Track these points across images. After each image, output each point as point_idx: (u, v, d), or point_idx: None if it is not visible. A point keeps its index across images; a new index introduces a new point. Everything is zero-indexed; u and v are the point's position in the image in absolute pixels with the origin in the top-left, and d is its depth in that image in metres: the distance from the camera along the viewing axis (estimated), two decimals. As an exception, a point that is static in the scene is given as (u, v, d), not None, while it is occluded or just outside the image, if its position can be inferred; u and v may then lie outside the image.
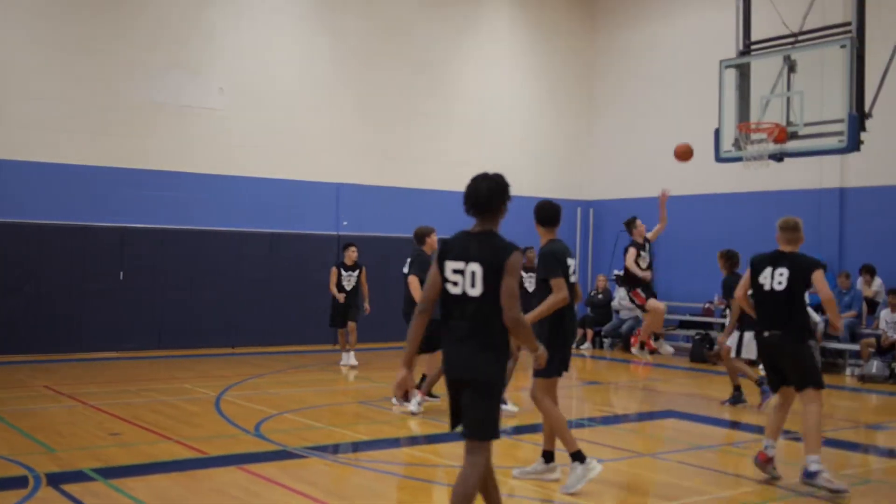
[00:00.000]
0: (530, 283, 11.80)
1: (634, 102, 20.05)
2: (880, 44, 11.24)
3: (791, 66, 11.77)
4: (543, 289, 6.85)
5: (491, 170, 5.00)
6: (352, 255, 13.93)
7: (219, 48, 16.33)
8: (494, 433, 4.83)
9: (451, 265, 4.84)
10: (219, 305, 15.97)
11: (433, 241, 10.19)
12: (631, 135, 20.05)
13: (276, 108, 16.85)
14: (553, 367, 6.81)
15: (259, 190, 16.57)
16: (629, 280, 12.76)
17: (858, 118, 10.84)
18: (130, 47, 15.43)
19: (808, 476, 6.34)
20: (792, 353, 6.82)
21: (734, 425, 10.07)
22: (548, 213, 7.06)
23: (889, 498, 6.69)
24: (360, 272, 13.92)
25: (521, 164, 19.56)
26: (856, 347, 14.35)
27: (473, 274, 4.76)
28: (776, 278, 6.88)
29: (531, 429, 8.78)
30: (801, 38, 11.97)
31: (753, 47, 12.33)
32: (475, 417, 4.79)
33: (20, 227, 14.38)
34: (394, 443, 8.51)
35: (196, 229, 15.87)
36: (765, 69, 12.01)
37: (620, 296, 18.26)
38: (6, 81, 14.43)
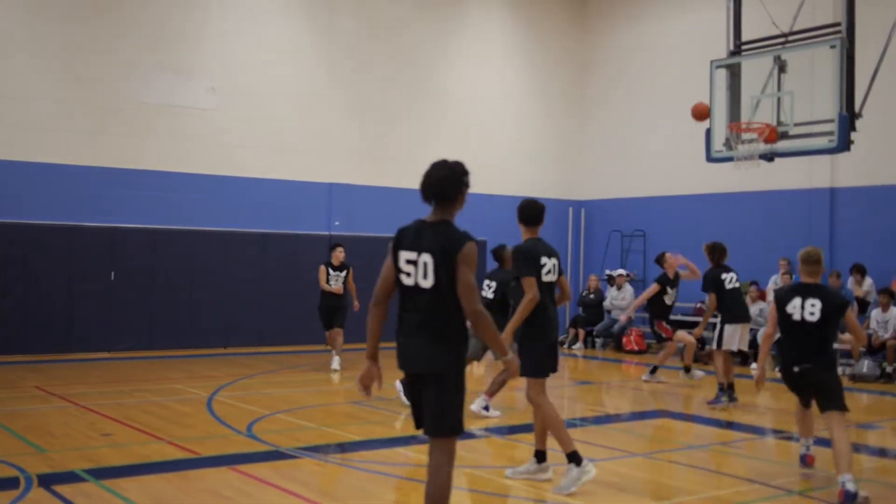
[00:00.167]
0: None
1: (626, 102, 20.09)
2: (870, 44, 11.29)
3: (781, 67, 11.80)
4: (518, 288, 6.87)
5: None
6: (339, 255, 13.63)
7: (210, 48, 16.30)
8: (454, 427, 4.66)
9: (404, 255, 4.70)
10: (210, 306, 15.94)
11: None
12: (623, 135, 20.09)
13: (268, 107, 16.83)
14: (541, 366, 6.82)
15: (251, 190, 16.55)
16: (654, 311, 12.87)
17: (848, 118, 10.88)
18: (122, 48, 15.40)
19: (851, 498, 6.28)
20: (823, 381, 6.86)
21: (726, 425, 10.09)
22: (528, 211, 7.03)
23: (881, 497, 6.71)
24: (347, 273, 13.61)
25: (512, 164, 19.61)
26: (847, 347, 14.39)
27: (426, 265, 4.61)
28: (807, 309, 6.83)
29: (525, 429, 8.78)
30: (791, 38, 12.01)
31: (744, 47, 12.36)
32: (432, 412, 4.64)
33: (10, 227, 14.32)
34: (386, 443, 8.51)
35: (187, 229, 15.83)
36: (755, 69, 12.04)
37: (612, 296, 18.35)
38: (-4, 81, 14.42)
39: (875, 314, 14.24)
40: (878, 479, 7.45)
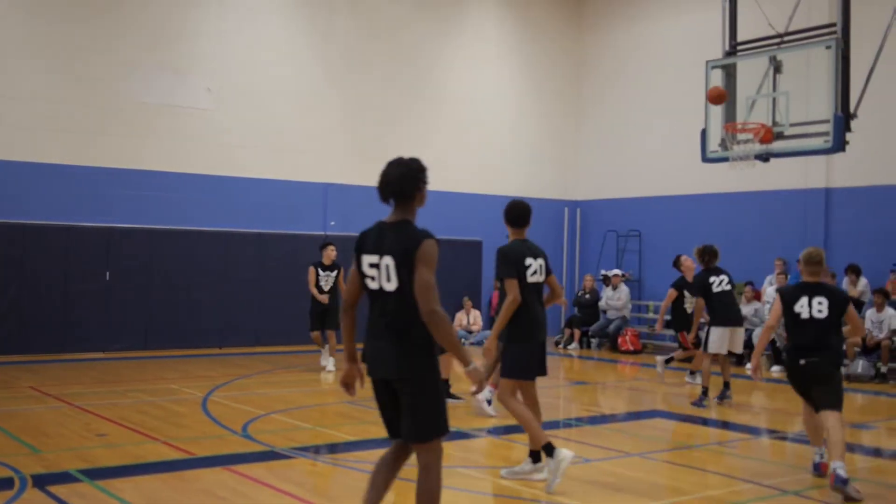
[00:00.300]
0: None
1: (622, 102, 20.11)
2: (865, 44, 11.30)
3: (777, 67, 11.82)
4: (502, 289, 6.89)
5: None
6: (330, 254, 13.40)
7: (207, 49, 16.29)
8: (439, 430, 4.56)
9: (366, 259, 4.61)
10: (206, 306, 15.92)
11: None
12: (619, 135, 20.11)
13: (264, 108, 16.82)
14: (525, 367, 6.82)
15: (247, 190, 16.54)
16: (677, 323, 12.79)
17: (844, 119, 10.90)
18: (122, 48, 15.38)
19: (842, 482, 6.32)
20: (827, 377, 6.93)
21: (721, 425, 10.10)
22: (514, 212, 7.01)
23: (875, 497, 6.72)
24: (338, 272, 13.41)
25: (508, 165, 19.60)
26: (842, 347, 14.41)
27: (388, 267, 4.51)
28: (815, 307, 7.00)
29: (521, 429, 8.75)
30: (786, 38, 12.02)
31: (739, 48, 12.38)
32: (412, 419, 4.54)
33: (10, 227, 14.30)
34: (381, 443, 8.48)
35: (183, 229, 15.82)
36: (751, 70, 12.06)
37: (607, 296, 18.37)
38: (-8, 81, 14.40)
39: (870, 314, 14.26)
40: (872, 478, 7.46)
